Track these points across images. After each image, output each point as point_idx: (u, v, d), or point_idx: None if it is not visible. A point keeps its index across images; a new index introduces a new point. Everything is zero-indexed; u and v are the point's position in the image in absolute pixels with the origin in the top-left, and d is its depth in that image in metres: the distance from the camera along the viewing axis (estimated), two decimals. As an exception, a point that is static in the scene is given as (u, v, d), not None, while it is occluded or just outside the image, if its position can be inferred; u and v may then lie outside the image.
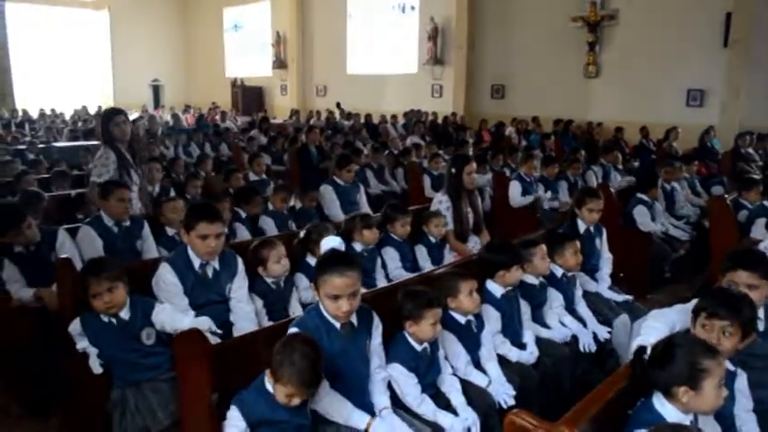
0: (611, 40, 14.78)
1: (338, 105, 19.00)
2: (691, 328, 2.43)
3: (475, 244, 4.71)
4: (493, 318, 3.18)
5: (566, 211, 6.13)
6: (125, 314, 2.90)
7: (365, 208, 5.65)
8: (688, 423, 1.96)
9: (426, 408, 2.65)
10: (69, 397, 3.31)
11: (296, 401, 2.17)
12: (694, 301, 2.64)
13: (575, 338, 3.55)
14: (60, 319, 3.13)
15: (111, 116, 4.68)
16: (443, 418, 2.64)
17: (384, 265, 4.25)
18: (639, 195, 5.84)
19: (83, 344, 2.89)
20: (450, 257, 4.53)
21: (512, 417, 1.72)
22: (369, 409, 2.48)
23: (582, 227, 4.24)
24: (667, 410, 1.99)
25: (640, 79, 13.98)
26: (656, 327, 2.58)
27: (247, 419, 2.17)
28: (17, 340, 3.68)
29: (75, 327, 2.89)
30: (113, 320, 2.88)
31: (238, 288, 3.24)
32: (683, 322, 2.65)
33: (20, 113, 17.63)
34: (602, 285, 4.20)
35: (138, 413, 2.78)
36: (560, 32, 15.18)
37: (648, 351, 2.03)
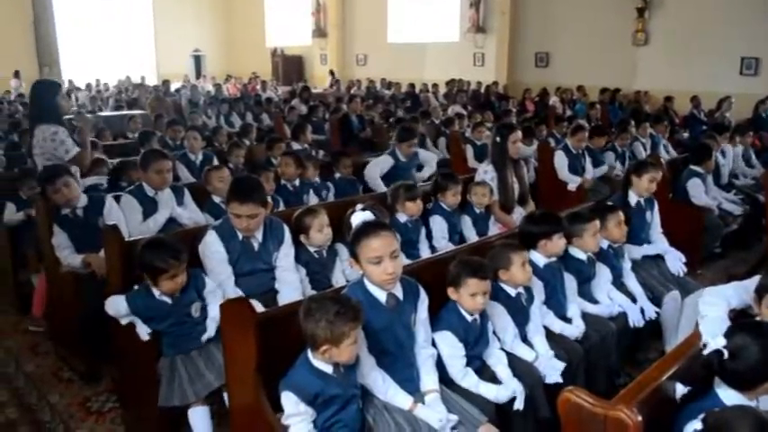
0: (660, 5, 14.31)
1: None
2: (755, 308, 2.32)
3: (520, 215, 4.61)
4: (536, 287, 3.12)
5: (615, 182, 6.01)
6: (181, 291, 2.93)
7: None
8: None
9: (470, 381, 2.61)
10: (118, 362, 3.37)
11: (344, 358, 2.12)
12: (754, 279, 2.54)
13: (623, 314, 3.47)
14: (108, 284, 3.19)
15: (58, 89, 4.48)
16: (486, 389, 2.59)
17: (429, 236, 4.20)
18: (693, 167, 5.64)
19: (125, 320, 2.92)
20: (494, 229, 4.46)
21: (567, 394, 1.66)
22: (415, 383, 2.45)
23: (633, 199, 4.11)
24: (730, 397, 1.90)
25: (691, 47, 13.53)
26: (717, 305, 2.49)
27: (305, 400, 2.12)
28: (67, 306, 3.77)
29: (117, 309, 2.90)
30: (168, 299, 2.88)
31: (284, 257, 3.22)
32: (740, 300, 2.55)
33: (66, 84, 17.95)
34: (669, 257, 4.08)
35: (189, 378, 2.81)
36: (606, -2, 14.75)
37: (722, 348, 1.91)
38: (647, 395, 1.80)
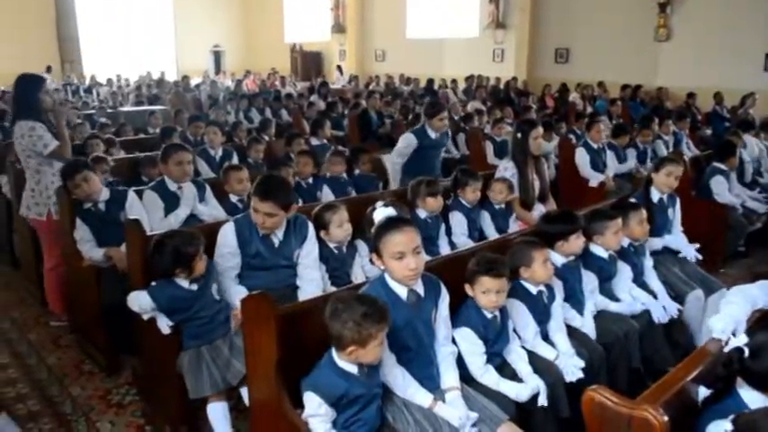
0: (682, 0, 14.09)
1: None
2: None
3: (541, 212, 4.58)
4: (556, 286, 3.08)
5: (638, 179, 5.94)
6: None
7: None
8: None
9: (490, 378, 2.60)
10: (139, 355, 3.40)
11: (369, 357, 2.12)
12: (782, 278, 2.50)
13: (644, 313, 3.42)
14: (129, 278, 3.22)
15: (41, 84, 4.31)
16: (507, 387, 2.58)
17: (448, 233, 4.18)
18: (717, 164, 5.56)
19: (148, 315, 2.94)
20: (514, 226, 4.43)
21: (591, 393, 1.64)
22: (435, 381, 2.44)
23: (656, 196, 4.06)
24: (753, 398, 1.87)
25: (714, 43, 13.32)
26: (737, 303, 2.44)
27: (329, 402, 2.11)
28: (89, 299, 3.80)
29: (140, 304, 2.92)
30: (195, 286, 2.93)
31: (307, 254, 3.21)
32: (767, 299, 2.51)
33: (87, 80, 18.13)
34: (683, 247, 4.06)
35: (216, 366, 2.84)
36: (628, -8, 14.58)
37: (743, 346, 1.87)
38: (672, 396, 1.77)
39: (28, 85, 4.27)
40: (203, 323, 2.92)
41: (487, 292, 2.61)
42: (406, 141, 5.26)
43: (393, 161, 5.34)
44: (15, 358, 4.01)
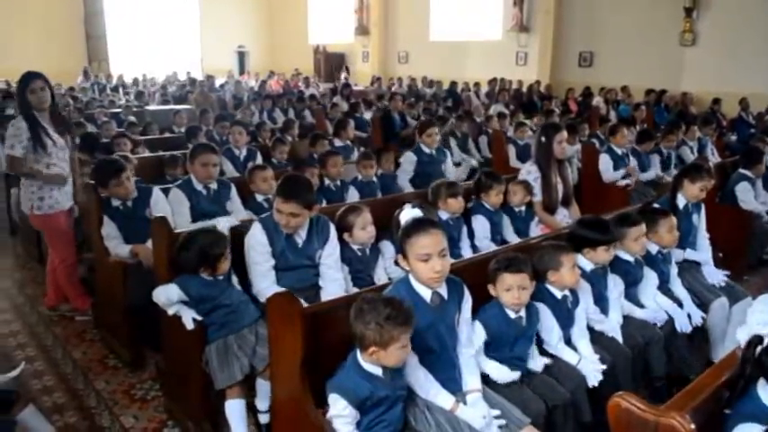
0: (709, 5, 13.96)
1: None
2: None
3: (563, 217, 4.56)
4: (584, 290, 3.07)
5: (663, 185, 5.88)
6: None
7: (451, 176, 5.56)
8: None
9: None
10: (163, 351, 3.44)
11: (391, 361, 2.12)
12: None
13: (670, 320, 3.39)
14: (156, 275, 3.26)
15: (28, 82, 4.18)
16: (493, 369, 2.61)
17: (471, 235, 4.18)
18: (743, 171, 5.50)
19: (173, 309, 2.98)
20: (536, 230, 4.41)
21: (617, 398, 1.63)
22: (457, 383, 2.44)
23: (681, 202, 4.02)
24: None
25: (740, 48, 13.16)
26: (763, 312, 2.42)
27: (354, 404, 2.12)
28: (114, 294, 3.85)
29: (168, 295, 2.96)
30: (220, 276, 3.01)
31: (329, 255, 3.23)
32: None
33: (114, 78, 18.34)
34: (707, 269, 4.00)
35: (243, 353, 2.89)
36: (654, -3, 14.45)
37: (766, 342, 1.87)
38: (699, 403, 1.76)
39: (19, 84, 4.27)
40: (229, 311, 2.98)
41: (510, 289, 2.62)
42: (407, 159, 5.64)
43: (401, 181, 5.54)
44: (42, 351, 4.08)
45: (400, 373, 2.24)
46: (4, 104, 9.40)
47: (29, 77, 4.21)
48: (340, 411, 2.12)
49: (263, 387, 3.00)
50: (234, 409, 2.92)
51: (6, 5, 19.25)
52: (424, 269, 2.32)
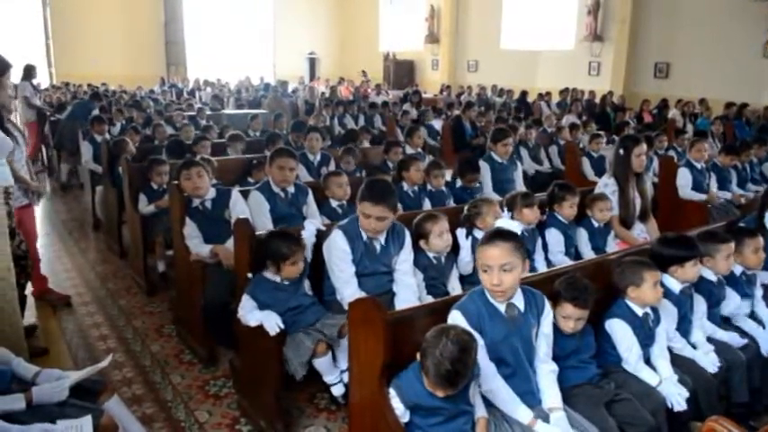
0: (795, 15, 13.39)
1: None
2: None
3: (641, 232, 4.44)
4: (671, 314, 2.97)
5: (748, 203, 5.66)
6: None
7: (521, 186, 5.50)
8: None
9: None
10: (238, 349, 3.52)
11: (438, 394, 2.12)
12: None
13: (752, 343, 3.26)
14: (234, 274, 3.35)
15: None
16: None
17: (545, 248, 4.12)
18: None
19: (254, 319, 3.02)
20: (613, 245, 4.31)
21: (712, 423, 1.59)
22: (535, 397, 2.41)
23: (769, 221, 3.87)
24: None
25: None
26: None
27: (405, 403, 2.18)
28: (193, 292, 3.97)
29: (248, 310, 3.05)
30: (286, 282, 3.08)
31: (404, 261, 3.26)
32: None
33: (191, 83, 18.96)
34: None
35: (314, 330, 3.02)
36: (735, 7, 13.94)
37: None
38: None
39: None
40: (297, 312, 3.08)
41: (567, 318, 2.61)
42: (483, 168, 5.49)
43: (486, 189, 5.46)
44: (122, 344, 4.24)
45: (462, 393, 2.19)
46: (91, 105, 9.80)
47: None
48: (394, 405, 2.19)
49: (323, 364, 3.04)
50: (323, 361, 3.02)
51: (94, 13, 20.23)
52: (484, 279, 2.35)
